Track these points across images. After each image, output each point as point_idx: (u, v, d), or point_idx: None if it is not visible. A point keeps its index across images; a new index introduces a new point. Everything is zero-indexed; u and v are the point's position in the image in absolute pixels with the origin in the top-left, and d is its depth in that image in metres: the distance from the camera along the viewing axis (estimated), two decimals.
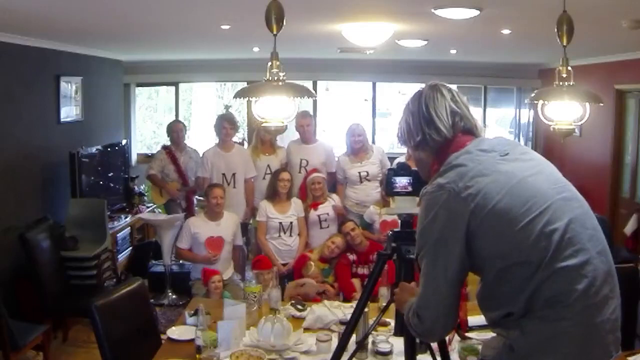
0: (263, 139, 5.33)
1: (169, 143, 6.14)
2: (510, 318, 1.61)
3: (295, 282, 4.09)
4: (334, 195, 4.94)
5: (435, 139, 1.77)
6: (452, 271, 1.65)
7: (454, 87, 1.87)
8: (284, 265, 4.65)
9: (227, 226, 4.72)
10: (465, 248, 1.63)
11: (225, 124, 5.31)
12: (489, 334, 1.81)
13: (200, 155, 5.68)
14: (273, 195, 4.80)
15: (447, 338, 2.25)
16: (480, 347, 2.60)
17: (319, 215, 4.79)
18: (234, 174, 5.19)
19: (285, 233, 4.73)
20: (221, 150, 5.31)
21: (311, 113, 5.59)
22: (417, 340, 2.12)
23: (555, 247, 1.55)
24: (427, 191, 1.71)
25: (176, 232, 5.19)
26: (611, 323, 1.59)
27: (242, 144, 7.61)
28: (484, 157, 1.68)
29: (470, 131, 1.80)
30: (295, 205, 4.80)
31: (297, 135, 5.33)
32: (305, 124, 5.15)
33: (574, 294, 1.53)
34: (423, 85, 1.85)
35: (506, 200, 1.59)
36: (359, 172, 5.02)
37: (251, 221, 5.30)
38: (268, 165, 5.24)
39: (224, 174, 5.18)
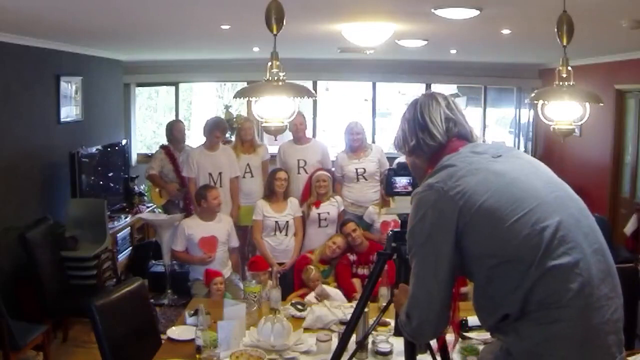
0: (243, 139, 5.37)
1: (167, 143, 6.12)
2: (506, 321, 1.60)
3: (295, 294, 4.08)
4: (338, 197, 4.92)
5: (429, 144, 1.79)
6: (441, 271, 1.65)
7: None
8: (280, 265, 4.63)
9: (220, 225, 4.71)
10: (455, 247, 1.63)
11: (218, 133, 5.36)
12: (489, 335, 1.81)
13: None
14: (270, 194, 4.81)
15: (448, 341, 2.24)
16: (480, 347, 2.61)
17: (319, 214, 4.78)
18: (220, 173, 5.20)
19: (280, 232, 4.73)
20: (207, 150, 5.32)
21: (303, 113, 5.56)
22: None
23: (546, 244, 1.54)
24: (417, 191, 1.73)
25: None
26: (612, 324, 1.56)
27: None
28: (475, 158, 1.70)
29: (465, 137, 1.81)
30: (292, 205, 4.80)
31: (287, 137, 5.30)
32: (299, 123, 5.14)
33: (568, 294, 1.52)
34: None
35: (494, 199, 1.59)
36: (356, 169, 5.02)
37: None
38: (248, 164, 5.29)
39: (210, 174, 5.19)
